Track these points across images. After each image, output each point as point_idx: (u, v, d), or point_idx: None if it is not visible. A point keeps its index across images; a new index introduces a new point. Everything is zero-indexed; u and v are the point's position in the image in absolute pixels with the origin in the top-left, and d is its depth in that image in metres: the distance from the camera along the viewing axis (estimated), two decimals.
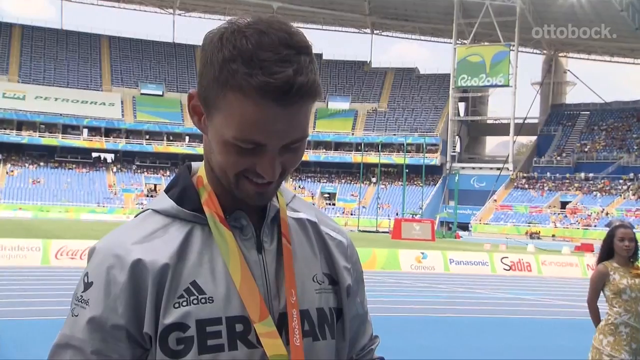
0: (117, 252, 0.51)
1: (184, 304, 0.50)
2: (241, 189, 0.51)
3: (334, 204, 57.17)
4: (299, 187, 55.76)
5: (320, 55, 58.09)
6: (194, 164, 0.63)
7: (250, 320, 0.50)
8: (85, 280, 0.52)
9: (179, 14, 64.13)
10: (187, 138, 53.27)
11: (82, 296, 0.51)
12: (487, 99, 70.25)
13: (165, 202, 0.56)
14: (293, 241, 0.58)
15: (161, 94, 54.61)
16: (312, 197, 54.30)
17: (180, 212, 0.55)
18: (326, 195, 59.27)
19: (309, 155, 55.31)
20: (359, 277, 0.68)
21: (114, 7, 63.77)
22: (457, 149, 63.55)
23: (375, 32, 70.06)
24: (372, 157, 54.80)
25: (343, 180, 60.47)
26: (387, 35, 73.54)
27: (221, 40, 0.47)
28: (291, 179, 53.21)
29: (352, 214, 51.92)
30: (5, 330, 5.36)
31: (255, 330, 0.50)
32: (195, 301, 0.50)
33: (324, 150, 60.97)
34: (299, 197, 0.67)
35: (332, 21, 68.02)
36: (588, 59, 70.24)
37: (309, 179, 59.82)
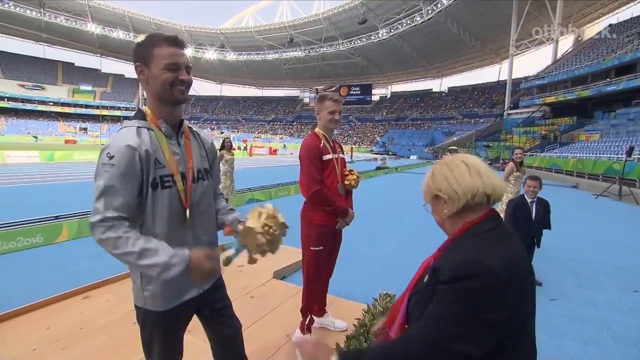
0: (124, 144, 1.11)
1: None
2: (175, 93, 1.20)
3: None
4: None
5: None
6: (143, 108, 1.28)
7: (173, 175, 1.21)
8: (109, 154, 1.09)
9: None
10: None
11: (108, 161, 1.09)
12: None
13: (134, 121, 1.22)
14: (190, 139, 1.33)
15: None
16: None
17: (142, 124, 1.21)
18: None
19: None
20: (214, 158, 1.48)
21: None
22: None
23: None
24: None
25: None
26: None
27: (146, 37, 1.19)
28: None
29: None
30: None
31: (174, 179, 1.20)
32: (159, 167, 1.18)
33: None
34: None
35: None
36: None
37: None
